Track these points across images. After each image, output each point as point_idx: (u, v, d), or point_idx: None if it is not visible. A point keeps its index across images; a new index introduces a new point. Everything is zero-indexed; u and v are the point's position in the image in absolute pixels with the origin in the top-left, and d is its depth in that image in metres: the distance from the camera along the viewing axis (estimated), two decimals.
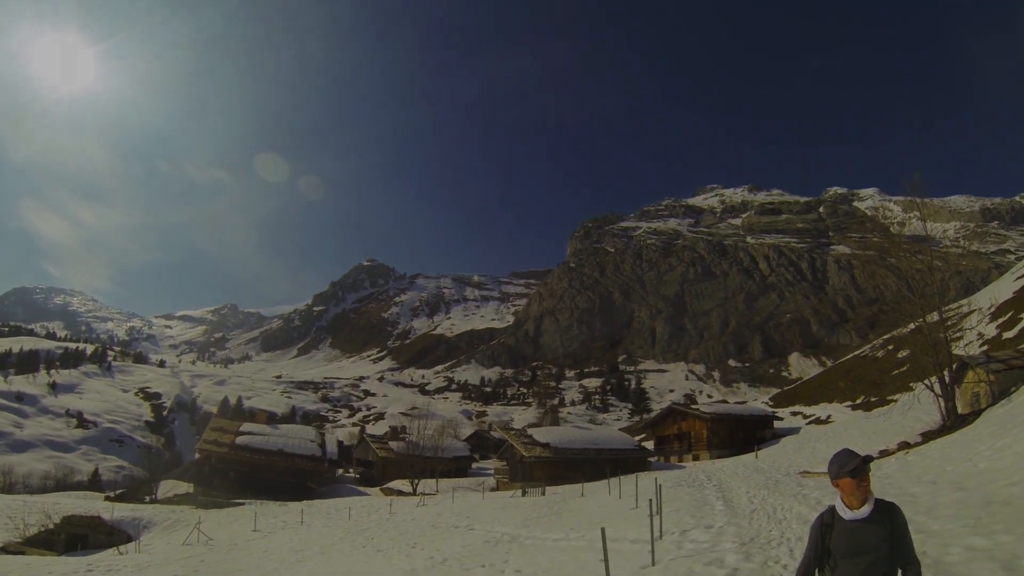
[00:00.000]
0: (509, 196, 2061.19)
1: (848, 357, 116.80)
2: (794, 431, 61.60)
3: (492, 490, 51.03)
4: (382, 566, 17.87)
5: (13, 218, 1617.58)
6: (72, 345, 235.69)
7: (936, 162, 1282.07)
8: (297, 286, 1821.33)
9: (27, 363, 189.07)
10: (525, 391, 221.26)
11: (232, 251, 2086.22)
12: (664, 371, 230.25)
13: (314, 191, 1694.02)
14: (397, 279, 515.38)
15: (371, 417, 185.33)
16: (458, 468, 68.12)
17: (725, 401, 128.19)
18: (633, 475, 34.29)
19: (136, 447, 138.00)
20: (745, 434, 59.80)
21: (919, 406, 33.98)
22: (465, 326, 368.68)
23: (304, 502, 47.14)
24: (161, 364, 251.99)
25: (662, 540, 13.17)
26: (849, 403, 70.22)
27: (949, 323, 43.16)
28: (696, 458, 58.15)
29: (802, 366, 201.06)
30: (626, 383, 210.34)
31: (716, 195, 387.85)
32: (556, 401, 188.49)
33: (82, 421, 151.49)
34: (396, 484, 57.12)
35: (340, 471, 78.36)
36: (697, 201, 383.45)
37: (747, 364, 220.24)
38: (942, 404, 28.86)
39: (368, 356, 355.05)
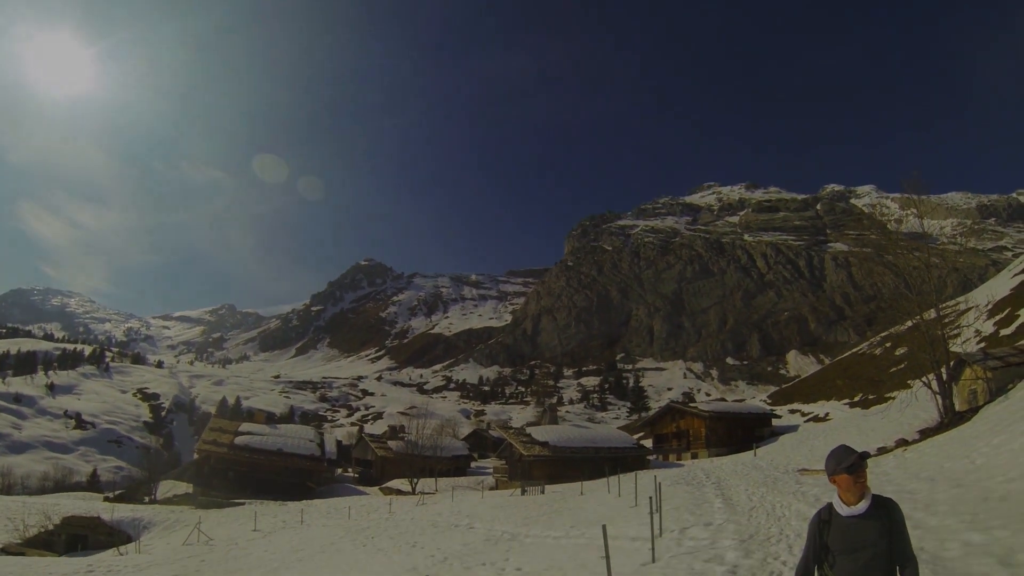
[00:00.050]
0: (506, 195, 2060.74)
1: (846, 355, 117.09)
2: (792, 429, 61.72)
3: (491, 489, 51.05)
4: (383, 565, 17.93)
5: (10, 219, 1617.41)
6: (70, 346, 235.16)
7: (933, 159, 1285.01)
8: (295, 286, 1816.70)
9: (25, 364, 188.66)
10: (523, 390, 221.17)
11: (230, 251, 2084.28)
12: (662, 369, 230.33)
13: (311, 191, 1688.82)
14: (395, 279, 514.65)
15: (369, 416, 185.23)
16: (457, 467, 68.13)
17: (723, 399, 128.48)
18: (632, 473, 34.35)
19: (135, 448, 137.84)
20: (743, 432, 59.88)
21: (917, 403, 34.08)
22: (463, 325, 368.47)
23: (303, 501, 47.24)
24: (159, 365, 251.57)
25: (662, 537, 13.24)
26: (847, 401, 70.40)
27: (947, 320, 43.32)
28: (695, 456, 58.24)
29: (800, 364, 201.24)
30: (624, 381, 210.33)
31: (713, 193, 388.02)
32: (554, 400, 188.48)
33: (80, 422, 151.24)
34: (395, 483, 57.17)
35: (339, 471, 78.39)
36: (694, 199, 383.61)
37: (745, 362, 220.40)
38: (940, 401, 28.94)
39: (366, 356, 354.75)
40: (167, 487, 61.06)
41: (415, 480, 53.58)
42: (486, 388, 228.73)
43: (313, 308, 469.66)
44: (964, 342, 57.02)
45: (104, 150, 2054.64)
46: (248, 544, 28.52)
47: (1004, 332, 58.69)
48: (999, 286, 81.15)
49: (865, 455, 4.14)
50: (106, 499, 59.62)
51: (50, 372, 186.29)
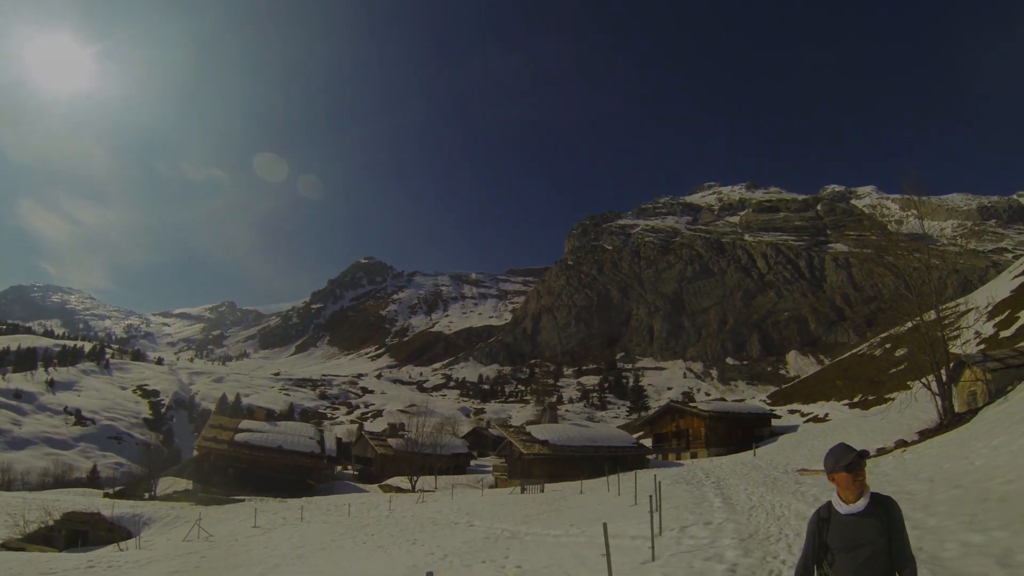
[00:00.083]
0: (506, 194, 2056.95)
1: (846, 355, 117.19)
2: (792, 429, 61.78)
3: (491, 487, 51.15)
4: (383, 562, 18.01)
5: (10, 217, 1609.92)
6: (70, 343, 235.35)
7: (934, 160, 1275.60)
8: (295, 284, 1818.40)
9: (25, 361, 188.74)
10: (523, 388, 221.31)
11: (230, 249, 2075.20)
12: (662, 369, 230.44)
13: (312, 190, 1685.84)
14: (395, 277, 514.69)
15: (369, 414, 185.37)
16: (456, 465, 68.20)
17: (723, 399, 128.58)
18: (632, 472, 34.44)
19: (134, 444, 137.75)
20: (743, 432, 59.94)
21: (916, 404, 34.15)
22: (463, 324, 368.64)
23: (303, 499, 47.37)
24: (159, 361, 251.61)
25: (662, 536, 13.31)
26: (847, 401, 70.51)
27: (946, 322, 43.38)
28: (694, 456, 58.32)
29: (800, 364, 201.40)
30: (624, 381, 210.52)
31: (714, 193, 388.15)
32: (554, 398, 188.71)
33: (80, 418, 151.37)
34: (395, 481, 57.27)
35: (339, 468, 78.46)
36: (695, 199, 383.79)
37: (745, 362, 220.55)
38: (939, 403, 29.00)
39: (366, 353, 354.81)
40: (167, 484, 61.08)
41: (415, 478, 53.69)
42: (486, 386, 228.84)
43: (313, 306, 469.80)
44: (964, 344, 57.06)
45: (104, 148, 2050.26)
46: (248, 540, 28.60)
47: (1004, 334, 58.78)
48: (999, 288, 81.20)
49: (864, 453, 4.15)
50: (106, 495, 59.72)
51: (50, 368, 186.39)
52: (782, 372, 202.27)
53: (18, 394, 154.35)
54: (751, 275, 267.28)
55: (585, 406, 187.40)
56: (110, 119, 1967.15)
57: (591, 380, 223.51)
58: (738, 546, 11.36)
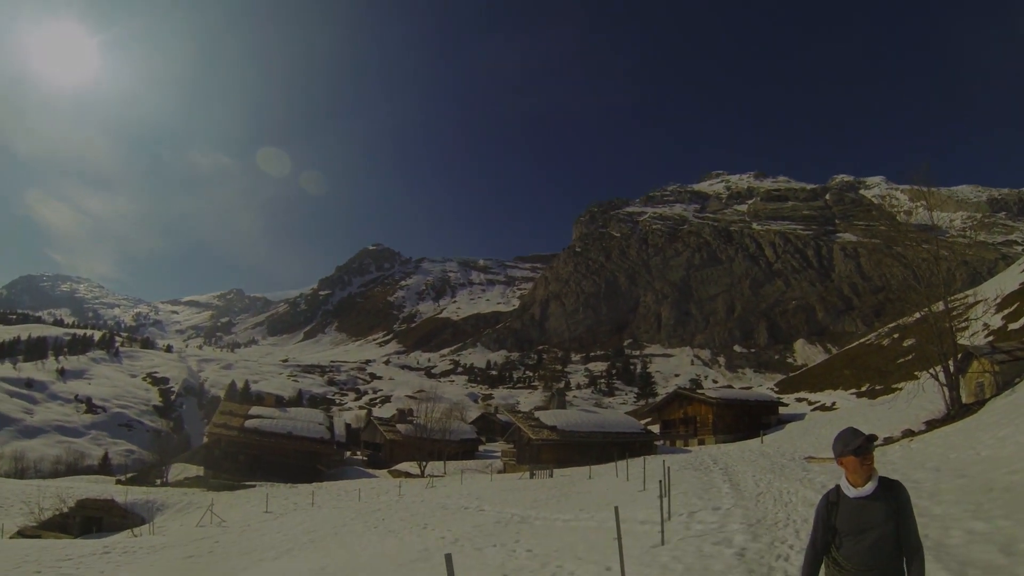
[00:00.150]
0: (515, 181, 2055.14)
1: (853, 345, 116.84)
2: (799, 417, 61.85)
3: (500, 472, 51.45)
4: (395, 546, 18.25)
5: (19, 207, 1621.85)
6: (80, 331, 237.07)
7: (944, 151, 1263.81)
8: (303, 270, 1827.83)
9: (35, 350, 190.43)
10: (531, 374, 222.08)
11: (237, 237, 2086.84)
12: (670, 356, 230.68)
13: (319, 178, 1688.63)
14: (403, 263, 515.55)
15: (378, 400, 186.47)
16: (465, 450, 68.44)
17: (731, 386, 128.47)
18: (640, 458, 34.63)
19: (145, 431, 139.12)
20: (750, 419, 60.06)
21: (923, 395, 34.12)
22: (471, 310, 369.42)
23: (314, 484, 47.76)
24: (168, 349, 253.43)
25: (671, 521, 13.46)
26: (854, 390, 70.48)
27: (955, 313, 43.26)
28: (702, 442, 58.49)
29: (807, 353, 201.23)
30: (632, 367, 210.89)
31: (722, 181, 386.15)
32: (562, 384, 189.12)
33: (91, 406, 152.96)
34: (404, 466, 57.62)
35: (348, 453, 78.94)
36: (703, 187, 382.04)
37: (752, 350, 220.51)
38: (946, 393, 28.99)
39: (374, 340, 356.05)
40: (178, 470, 61.60)
41: (424, 463, 54.05)
42: (494, 372, 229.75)
43: (321, 292, 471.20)
44: (972, 335, 56.97)
45: (110, 137, 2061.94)
46: (261, 525, 28.93)
47: (1012, 326, 58.54)
48: (1008, 280, 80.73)
49: (872, 437, 4.18)
50: (118, 482, 60.32)
51: (60, 357, 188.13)
52: (789, 360, 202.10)
53: (29, 383, 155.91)
54: (759, 263, 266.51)
55: (593, 392, 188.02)
56: (116, 108, 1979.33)
57: (599, 366, 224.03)
58: (746, 531, 11.51)
